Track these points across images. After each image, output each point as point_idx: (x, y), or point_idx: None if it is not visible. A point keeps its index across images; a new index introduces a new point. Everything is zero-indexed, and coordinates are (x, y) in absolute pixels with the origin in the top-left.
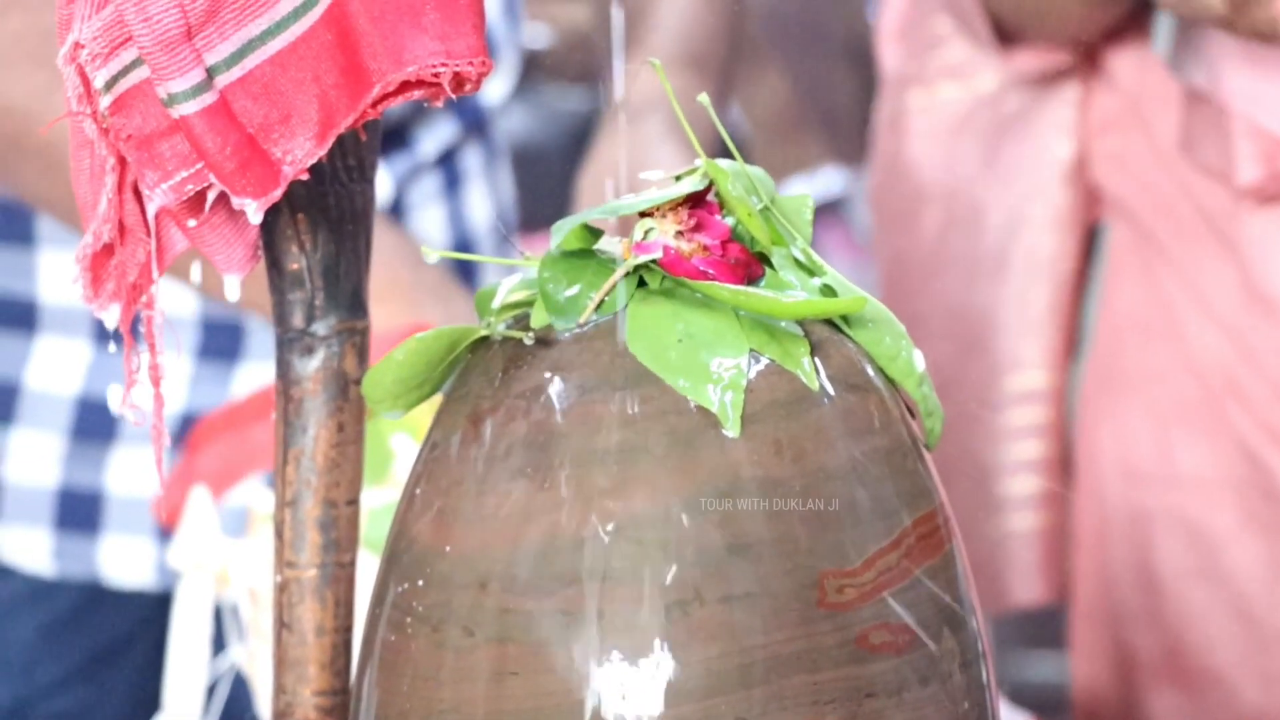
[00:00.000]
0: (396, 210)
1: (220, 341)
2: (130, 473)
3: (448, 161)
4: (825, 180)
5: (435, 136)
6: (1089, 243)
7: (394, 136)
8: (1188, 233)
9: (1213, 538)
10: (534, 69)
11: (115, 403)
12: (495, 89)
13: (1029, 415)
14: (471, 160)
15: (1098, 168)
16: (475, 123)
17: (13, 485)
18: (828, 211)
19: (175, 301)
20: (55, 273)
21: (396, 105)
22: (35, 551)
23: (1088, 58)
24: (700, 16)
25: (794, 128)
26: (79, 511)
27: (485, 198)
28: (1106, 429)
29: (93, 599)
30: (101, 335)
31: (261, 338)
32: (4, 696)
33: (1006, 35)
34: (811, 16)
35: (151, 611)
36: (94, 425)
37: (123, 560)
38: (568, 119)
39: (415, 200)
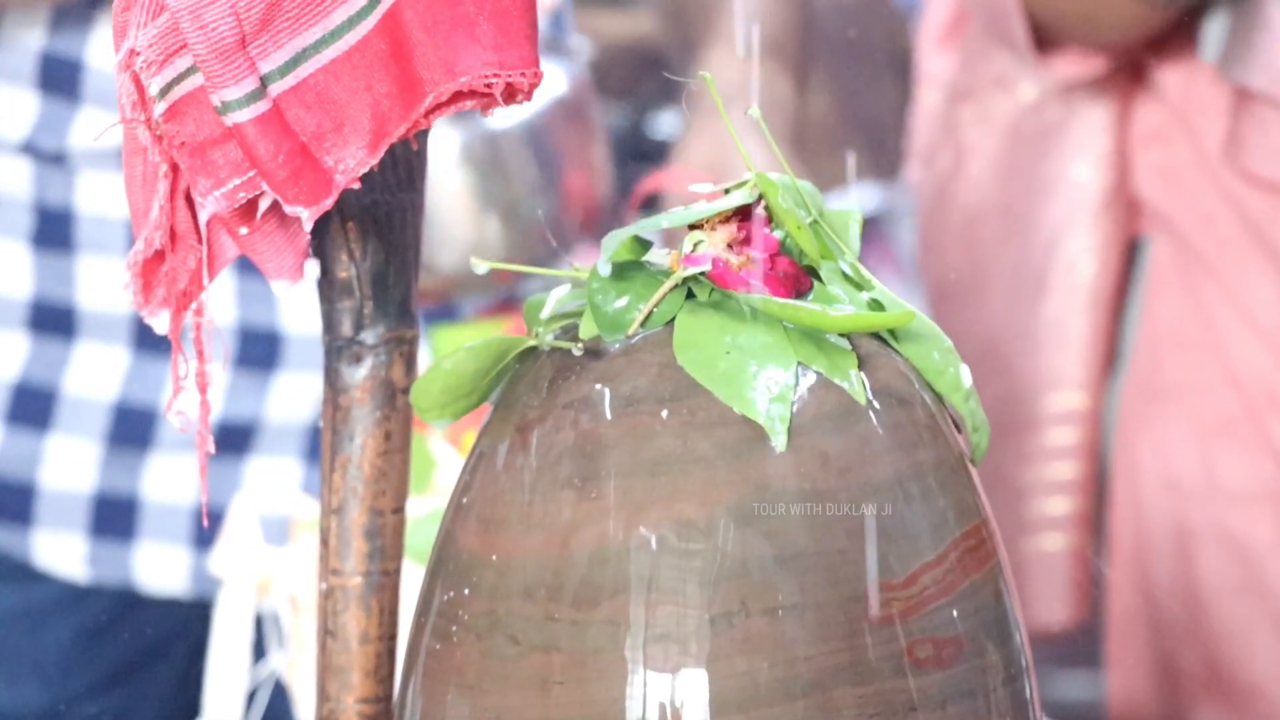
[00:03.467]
0: None
1: (257, 351)
2: (166, 480)
3: None
4: (861, 197)
5: None
6: (1129, 257)
7: None
8: (1231, 245)
9: (1254, 552)
10: None
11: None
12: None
13: (1065, 436)
14: None
15: (1139, 181)
16: None
17: (49, 490)
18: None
19: (213, 309)
20: (94, 279)
21: (448, 115)
22: (70, 557)
23: (1130, 69)
24: (776, 4)
25: (831, 143)
26: (114, 518)
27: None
28: (1147, 443)
29: (127, 605)
30: (140, 342)
31: (299, 347)
32: (38, 701)
33: (1045, 41)
34: (855, 31)
35: (187, 619)
36: (131, 431)
37: (157, 567)
38: (610, 133)
39: None
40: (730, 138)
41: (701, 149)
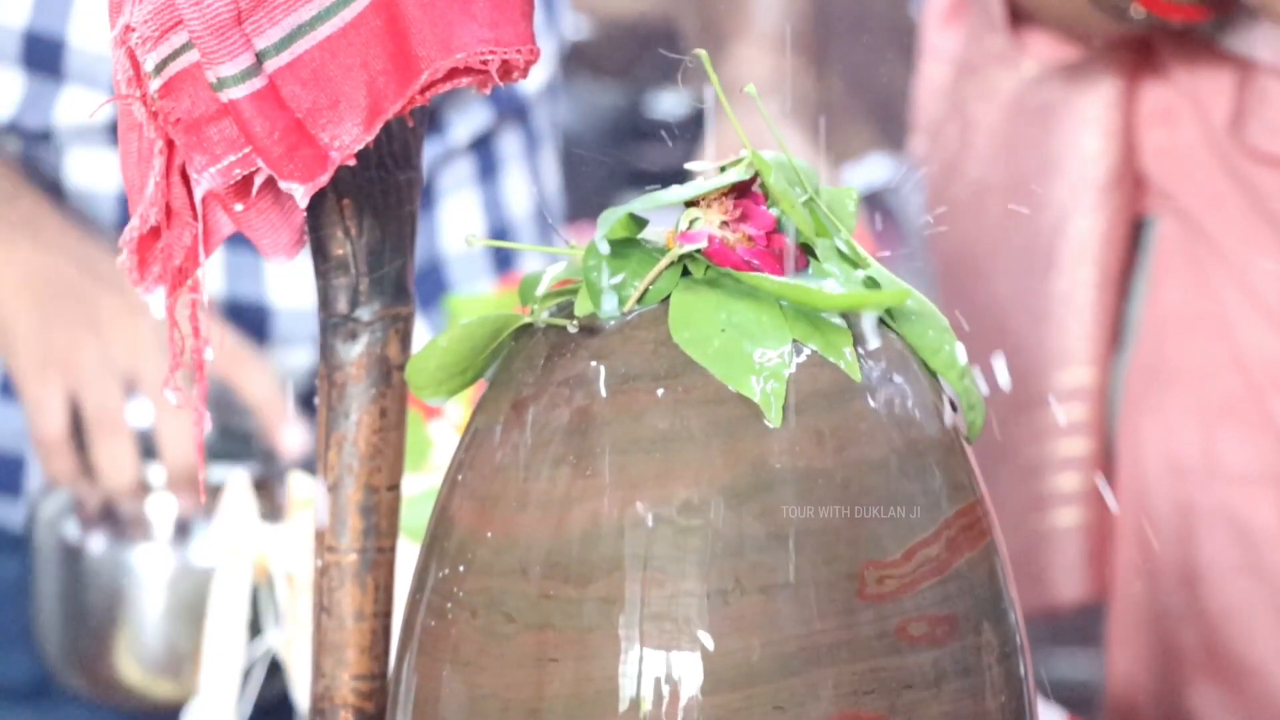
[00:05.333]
0: (427, 195)
1: (246, 324)
2: None
3: (483, 147)
4: (873, 168)
5: (468, 122)
6: (1135, 236)
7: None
8: (1237, 226)
9: (1256, 533)
10: (573, 61)
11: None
12: (533, 77)
13: (1075, 412)
14: (509, 147)
15: (1146, 160)
16: (512, 109)
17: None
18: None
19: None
20: None
21: (444, 92)
22: None
23: (1137, 47)
24: None
25: (841, 115)
26: None
27: (525, 184)
28: (1151, 424)
29: None
30: None
31: (287, 322)
32: (29, 671)
33: (1022, 18)
34: (856, 3)
35: None
36: None
37: None
38: (607, 111)
39: (447, 185)
40: (761, 120)
41: (733, 136)
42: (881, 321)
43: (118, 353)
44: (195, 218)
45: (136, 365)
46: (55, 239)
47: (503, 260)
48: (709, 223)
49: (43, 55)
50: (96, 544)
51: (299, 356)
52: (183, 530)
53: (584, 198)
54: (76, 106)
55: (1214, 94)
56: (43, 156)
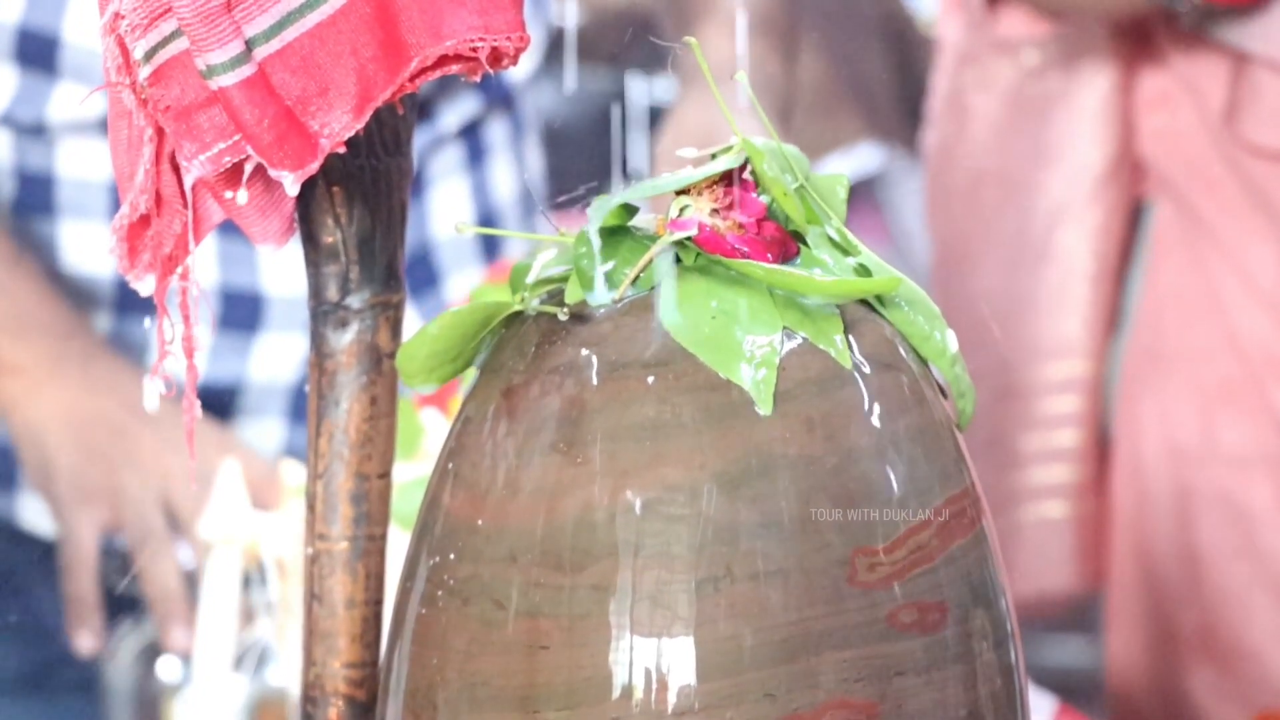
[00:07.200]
0: (417, 182)
1: (239, 312)
2: None
3: (471, 134)
4: (862, 157)
5: (457, 109)
6: (1132, 222)
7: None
8: (1234, 210)
9: (1253, 516)
10: (563, 48)
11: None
12: (520, 64)
13: (1068, 403)
14: (497, 134)
15: (1143, 145)
16: (499, 96)
17: None
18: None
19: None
20: (76, 243)
21: (433, 79)
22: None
23: (1135, 33)
24: None
25: (830, 104)
26: None
27: (511, 171)
28: (1148, 408)
29: None
30: (122, 306)
31: (281, 309)
32: (27, 661)
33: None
34: None
35: None
36: None
37: None
38: (596, 98)
39: (436, 172)
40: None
41: (695, 116)
42: (872, 308)
43: (154, 481)
44: (185, 205)
45: (172, 496)
46: (103, 376)
47: (492, 247)
48: (699, 210)
49: (37, 51)
50: (172, 674)
51: (291, 344)
52: (255, 655)
53: (570, 185)
54: (70, 102)
55: (1210, 80)
56: (35, 147)
